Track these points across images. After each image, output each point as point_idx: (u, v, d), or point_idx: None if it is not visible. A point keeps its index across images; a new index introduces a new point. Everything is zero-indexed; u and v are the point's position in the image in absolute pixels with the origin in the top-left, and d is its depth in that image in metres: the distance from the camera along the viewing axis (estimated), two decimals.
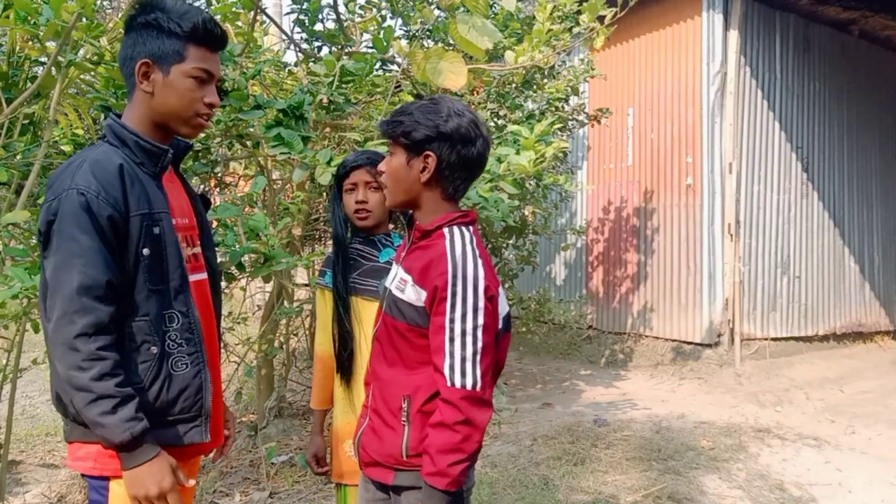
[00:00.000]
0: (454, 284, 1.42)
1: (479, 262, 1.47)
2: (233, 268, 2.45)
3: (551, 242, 7.72)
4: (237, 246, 2.35)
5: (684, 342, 6.77)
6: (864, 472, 3.87)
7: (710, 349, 6.51)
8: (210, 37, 1.50)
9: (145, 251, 1.41)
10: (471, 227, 1.55)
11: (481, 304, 1.43)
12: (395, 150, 1.54)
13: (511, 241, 5.65)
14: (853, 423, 4.91)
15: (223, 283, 3.25)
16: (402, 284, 1.53)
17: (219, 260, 2.68)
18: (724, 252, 6.50)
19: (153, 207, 1.44)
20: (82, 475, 1.46)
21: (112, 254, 1.37)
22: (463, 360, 1.41)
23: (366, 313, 1.99)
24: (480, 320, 1.43)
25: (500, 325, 1.53)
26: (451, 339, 1.42)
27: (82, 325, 1.31)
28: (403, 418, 1.51)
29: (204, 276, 1.64)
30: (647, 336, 7.15)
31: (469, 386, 1.41)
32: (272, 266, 2.40)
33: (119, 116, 1.52)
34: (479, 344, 1.42)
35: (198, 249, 1.63)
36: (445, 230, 1.52)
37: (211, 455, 1.76)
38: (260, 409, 4.22)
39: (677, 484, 3.57)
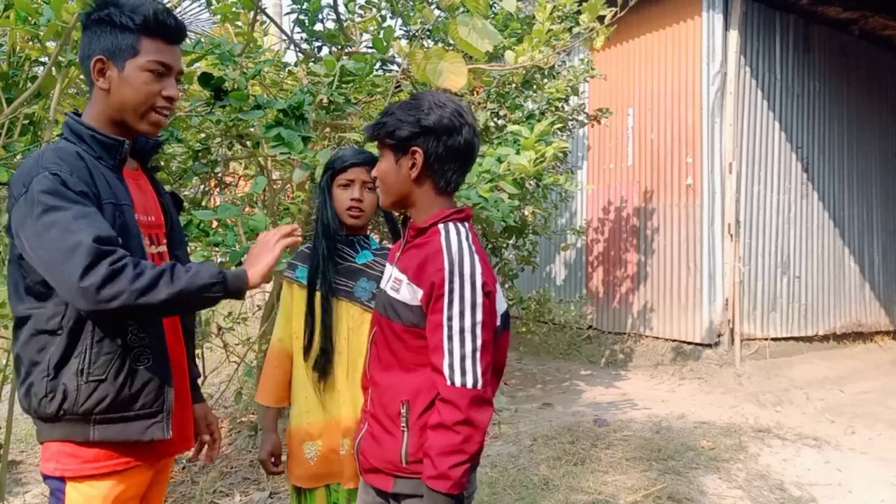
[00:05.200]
0: (451, 281, 1.40)
1: (476, 258, 1.45)
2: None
3: (551, 242, 7.72)
4: (237, 246, 2.35)
5: (684, 342, 6.77)
6: (864, 472, 3.87)
7: (710, 349, 6.51)
8: (163, 28, 1.46)
9: (119, 240, 1.36)
10: (466, 224, 1.53)
11: (479, 300, 1.41)
12: (384, 152, 1.54)
13: (511, 241, 5.64)
14: (853, 423, 4.91)
15: None
16: (397, 284, 1.50)
17: (219, 260, 2.70)
18: (724, 252, 6.50)
19: (118, 199, 1.42)
20: (44, 478, 1.43)
21: None
22: (462, 358, 1.39)
23: (339, 313, 1.97)
24: (479, 317, 1.40)
25: (498, 323, 1.51)
26: (450, 337, 1.40)
27: (111, 261, 1.25)
28: (403, 424, 1.48)
29: None
30: (647, 336, 7.15)
31: (469, 384, 1.38)
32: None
33: (79, 115, 1.50)
34: (479, 341, 1.40)
35: (163, 248, 1.59)
36: (440, 226, 1.50)
37: (202, 454, 1.75)
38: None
39: (677, 484, 3.57)
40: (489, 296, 1.44)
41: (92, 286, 1.23)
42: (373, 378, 1.59)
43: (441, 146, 1.48)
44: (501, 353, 1.59)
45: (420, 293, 1.45)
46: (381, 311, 1.56)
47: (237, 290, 1.39)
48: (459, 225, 1.51)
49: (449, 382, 1.39)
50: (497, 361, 1.55)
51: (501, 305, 1.55)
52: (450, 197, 1.57)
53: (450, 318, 1.40)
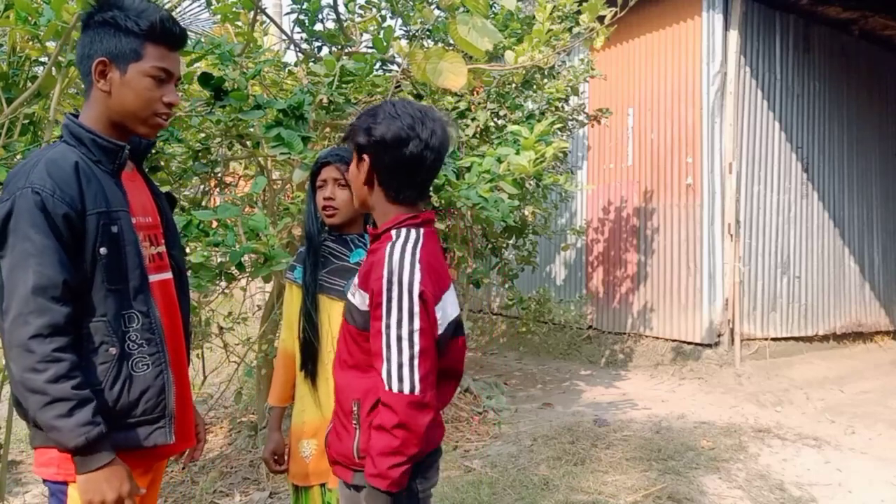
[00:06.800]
0: (389, 290, 1.43)
1: (417, 266, 1.45)
2: (233, 268, 2.45)
3: (551, 242, 7.72)
4: (237, 246, 2.35)
5: (684, 342, 6.77)
6: (864, 472, 3.87)
7: (710, 349, 6.51)
8: (168, 35, 1.47)
9: (102, 250, 1.38)
10: (421, 229, 1.53)
11: (416, 309, 1.42)
12: (353, 154, 1.58)
13: (511, 241, 5.64)
14: (853, 423, 4.91)
15: (223, 283, 3.27)
16: (355, 289, 1.55)
17: (219, 260, 2.69)
18: (724, 252, 6.50)
19: (111, 206, 1.41)
20: (43, 480, 1.43)
21: (68, 253, 1.34)
22: (400, 365, 1.41)
23: (332, 312, 1.98)
24: (417, 325, 1.42)
25: (441, 331, 1.51)
26: (388, 345, 1.42)
27: (37, 326, 1.28)
28: (354, 421, 1.53)
29: (168, 275, 1.61)
30: (647, 336, 7.15)
31: (406, 390, 1.40)
32: (272, 266, 2.40)
33: (77, 116, 1.50)
34: (417, 348, 1.42)
35: (162, 248, 1.60)
36: (393, 233, 1.52)
37: (183, 457, 1.74)
38: (260, 409, 4.22)
39: (677, 484, 3.57)
40: (426, 304, 1.45)
41: (23, 337, 1.28)
42: (335, 376, 1.64)
43: (387, 157, 1.50)
44: (456, 358, 1.61)
45: (367, 299, 1.49)
46: (345, 314, 1.61)
47: (67, 447, 1.31)
48: (413, 230, 1.51)
49: (387, 388, 1.42)
50: (452, 367, 1.59)
51: (453, 311, 1.56)
52: (408, 205, 1.56)
53: (388, 327, 1.43)
